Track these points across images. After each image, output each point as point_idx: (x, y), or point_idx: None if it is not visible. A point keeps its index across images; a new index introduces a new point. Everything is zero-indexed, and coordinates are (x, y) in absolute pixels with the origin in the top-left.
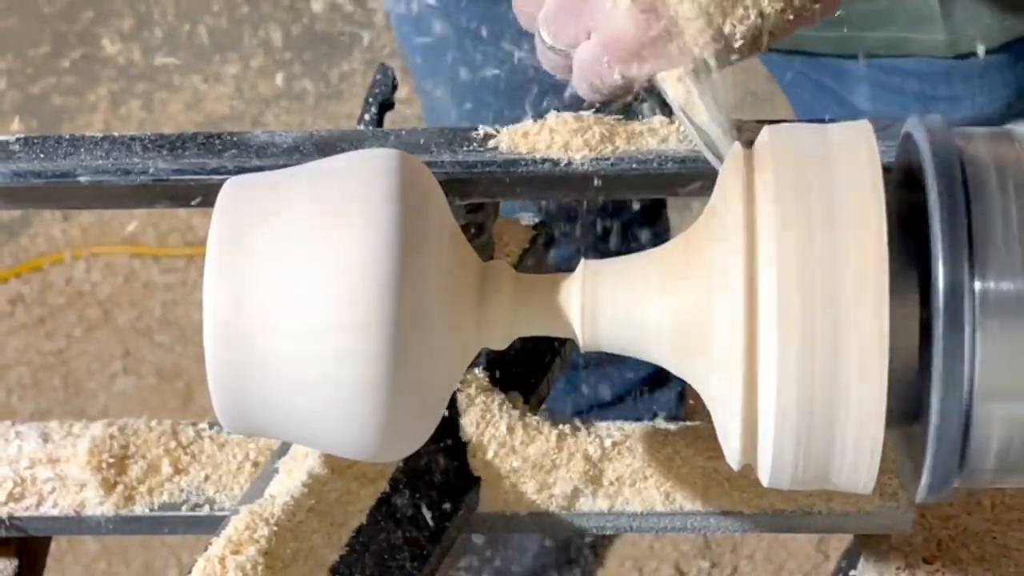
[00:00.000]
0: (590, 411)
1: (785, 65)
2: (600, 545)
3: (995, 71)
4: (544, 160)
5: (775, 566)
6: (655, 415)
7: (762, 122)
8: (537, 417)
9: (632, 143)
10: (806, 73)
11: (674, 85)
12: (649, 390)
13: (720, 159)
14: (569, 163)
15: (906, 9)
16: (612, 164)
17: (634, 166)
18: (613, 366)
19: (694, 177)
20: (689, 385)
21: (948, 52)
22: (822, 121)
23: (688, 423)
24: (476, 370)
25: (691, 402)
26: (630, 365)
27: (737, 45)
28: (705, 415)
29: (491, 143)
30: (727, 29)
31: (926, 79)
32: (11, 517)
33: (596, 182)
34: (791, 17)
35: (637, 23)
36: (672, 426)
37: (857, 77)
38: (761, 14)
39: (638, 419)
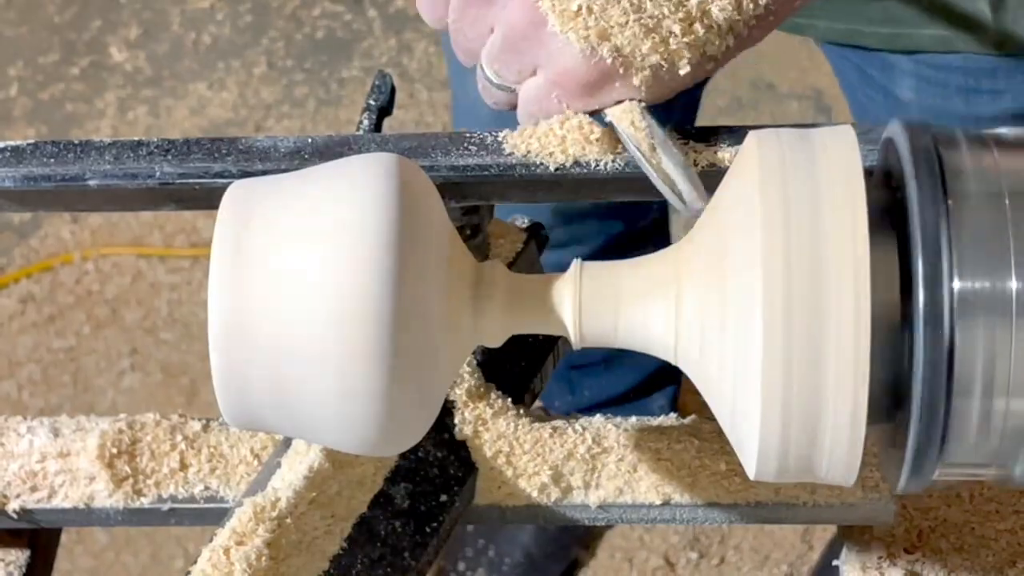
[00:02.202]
0: (586, 411)
1: (835, 52)
2: (590, 537)
3: None
4: (538, 163)
5: (761, 556)
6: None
7: (744, 128)
8: (531, 413)
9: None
10: (854, 61)
11: (626, 121)
12: (643, 394)
13: (677, 194)
14: (564, 166)
15: (959, 8)
16: (606, 167)
17: (629, 169)
18: (608, 370)
19: None
20: (681, 387)
21: (996, 51)
22: (810, 126)
23: (676, 419)
24: (472, 367)
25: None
26: (625, 369)
27: (682, 73)
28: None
29: (486, 147)
30: (669, 64)
31: (971, 74)
32: (23, 509)
33: (590, 185)
34: (731, 43)
35: (587, 59)
36: (660, 422)
37: (903, 71)
38: (703, 42)
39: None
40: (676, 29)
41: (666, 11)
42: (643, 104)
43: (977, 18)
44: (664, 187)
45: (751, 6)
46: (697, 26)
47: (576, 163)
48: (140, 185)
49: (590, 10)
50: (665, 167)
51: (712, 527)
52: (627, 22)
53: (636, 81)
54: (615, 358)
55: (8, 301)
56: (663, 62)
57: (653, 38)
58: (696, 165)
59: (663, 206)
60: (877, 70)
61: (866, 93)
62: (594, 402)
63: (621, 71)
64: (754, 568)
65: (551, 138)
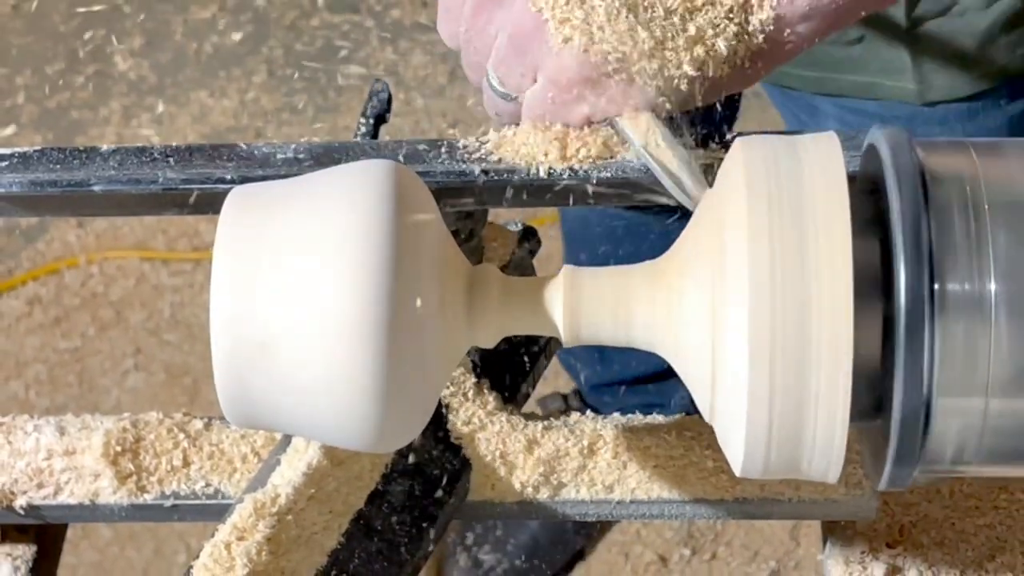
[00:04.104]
0: (612, 385)
1: (775, 94)
2: (596, 530)
3: (956, 120)
4: (531, 169)
5: (751, 552)
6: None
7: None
8: (524, 411)
9: (618, 151)
10: (785, 104)
11: (634, 127)
12: (672, 375)
13: (689, 196)
14: (556, 172)
15: (879, 57)
16: (598, 172)
17: (620, 174)
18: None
19: None
20: None
21: (916, 100)
22: (796, 133)
23: (664, 417)
24: (466, 367)
25: None
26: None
27: (683, 88)
28: None
29: (480, 153)
30: (669, 74)
31: (889, 122)
32: (30, 505)
33: (583, 190)
34: (727, 72)
35: (580, 58)
36: (649, 419)
37: (826, 114)
38: (702, 62)
39: (661, 403)
40: (679, 43)
41: (670, 33)
42: (648, 110)
43: (897, 66)
44: (670, 184)
45: (754, 38)
46: (699, 48)
47: (569, 169)
48: (143, 190)
49: (587, 20)
50: (671, 166)
51: (706, 524)
52: (627, 34)
53: (632, 91)
54: None
55: (15, 303)
56: (660, 75)
57: (654, 54)
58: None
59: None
60: (806, 114)
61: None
62: (622, 377)
63: (615, 77)
64: (743, 564)
65: (544, 144)
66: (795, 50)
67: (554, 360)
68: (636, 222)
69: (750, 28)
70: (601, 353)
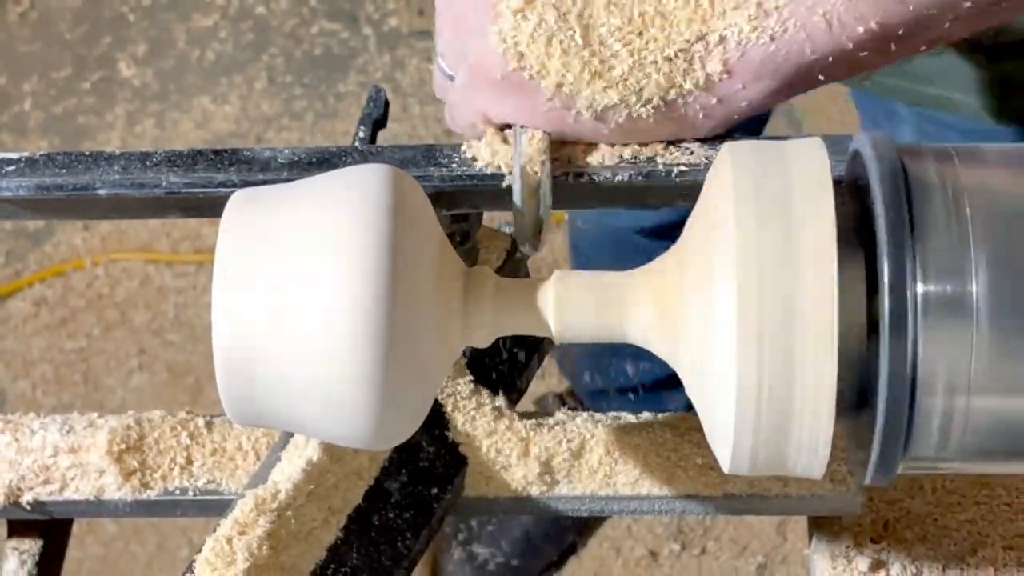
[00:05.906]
0: (628, 391)
1: (852, 93)
2: (588, 525)
3: None
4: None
5: (739, 547)
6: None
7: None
8: (517, 410)
9: (584, 162)
10: (865, 106)
11: (528, 141)
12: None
13: (525, 237)
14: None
15: (958, 73)
16: (588, 177)
17: (608, 178)
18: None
19: (670, 191)
20: None
21: (993, 118)
22: (783, 138)
23: (655, 415)
24: (461, 366)
25: None
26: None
27: (588, 123)
28: None
29: (475, 158)
30: (578, 106)
31: (966, 135)
32: (36, 501)
33: (580, 194)
34: (651, 112)
35: (499, 59)
36: (639, 418)
37: (904, 119)
38: (614, 104)
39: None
40: (598, 84)
41: (591, 69)
42: (547, 144)
43: (975, 84)
44: (519, 224)
45: (688, 80)
46: (612, 92)
47: (559, 174)
48: (147, 194)
49: (529, 21)
50: (532, 211)
51: (695, 519)
52: (558, 51)
53: (535, 110)
54: None
55: (23, 304)
56: (569, 103)
57: (569, 83)
58: (673, 174)
59: None
60: (884, 117)
61: None
62: (633, 383)
63: (523, 89)
64: (732, 558)
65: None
66: (748, 110)
67: (548, 360)
68: (649, 245)
69: (688, 81)
70: (599, 360)
